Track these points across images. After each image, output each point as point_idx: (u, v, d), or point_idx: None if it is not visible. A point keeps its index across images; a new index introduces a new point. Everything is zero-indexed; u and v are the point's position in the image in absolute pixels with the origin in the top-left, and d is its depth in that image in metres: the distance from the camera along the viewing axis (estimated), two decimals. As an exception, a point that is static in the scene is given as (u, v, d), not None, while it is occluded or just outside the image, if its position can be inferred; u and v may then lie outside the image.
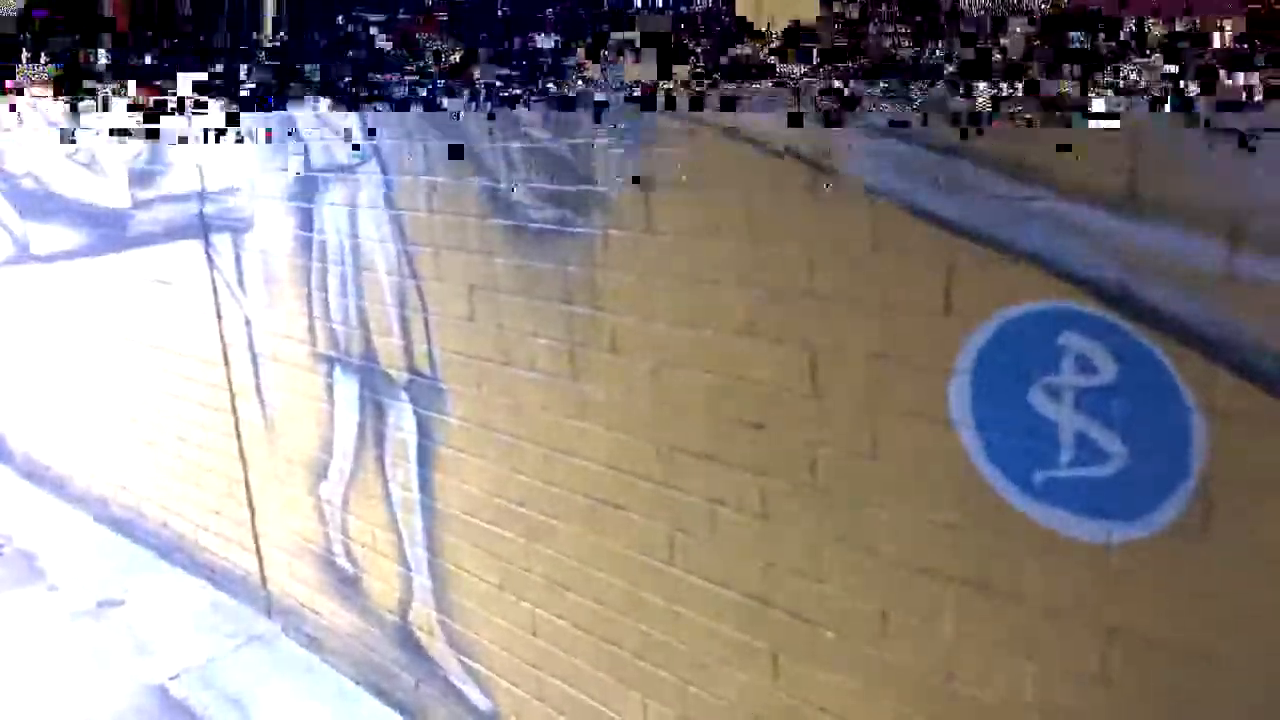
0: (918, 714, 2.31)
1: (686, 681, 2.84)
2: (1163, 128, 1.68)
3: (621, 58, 2.38)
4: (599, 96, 2.51)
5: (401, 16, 3.00)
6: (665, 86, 2.33)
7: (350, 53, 3.18)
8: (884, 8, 1.89)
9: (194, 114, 4.08)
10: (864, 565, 2.32)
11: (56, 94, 4.50)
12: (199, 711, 4.14)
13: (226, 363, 4.44)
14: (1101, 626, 1.96)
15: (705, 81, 2.26)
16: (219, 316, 4.39)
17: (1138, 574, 1.89)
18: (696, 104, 2.30)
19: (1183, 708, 1.89)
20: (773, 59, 2.10)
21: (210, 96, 3.85)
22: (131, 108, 4.30)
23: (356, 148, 3.39)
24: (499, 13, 2.73)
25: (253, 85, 3.56)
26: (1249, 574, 1.76)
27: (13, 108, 5.12)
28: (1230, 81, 1.56)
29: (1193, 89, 1.60)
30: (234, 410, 4.50)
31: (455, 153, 3.01)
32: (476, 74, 2.82)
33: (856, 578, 2.35)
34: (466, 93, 2.89)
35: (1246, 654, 1.79)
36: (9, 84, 4.58)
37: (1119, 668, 1.95)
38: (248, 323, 4.23)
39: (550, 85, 2.63)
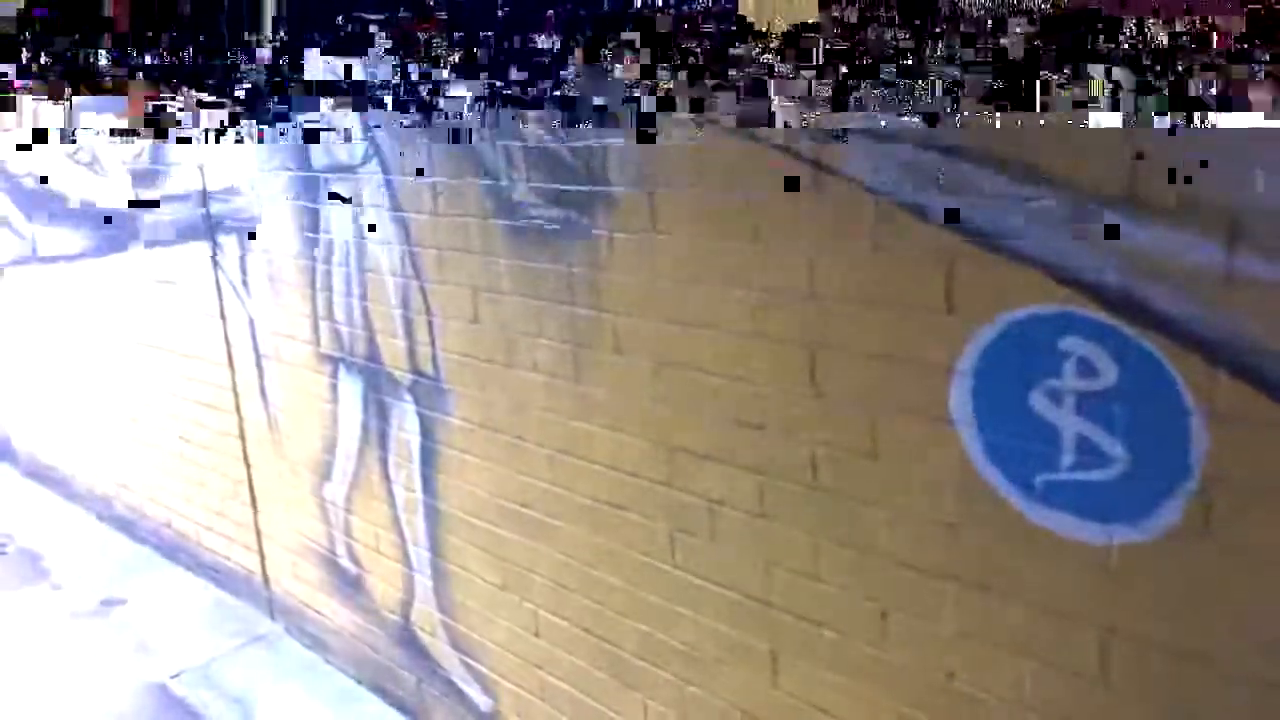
0: (918, 714, 2.30)
1: (686, 681, 2.84)
2: (1163, 128, 1.67)
3: (621, 58, 2.38)
4: (598, 97, 2.51)
5: (401, 16, 3.00)
6: (665, 86, 2.32)
7: (350, 52, 3.18)
8: (884, 8, 1.89)
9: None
10: (864, 565, 2.32)
11: (54, 94, 4.49)
12: (200, 710, 4.15)
13: (231, 363, 4.45)
14: (1101, 628, 1.95)
15: (705, 81, 2.25)
16: (223, 317, 4.39)
17: (1138, 576, 1.88)
18: (696, 105, 2.29)
19: (1181, 709, 1.88)
20: (772, 59, 2.10)
21: (210, 96, 3.85)
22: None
23: (358, 147, 3.38)
24: (499, 13, 2.73)
25: (252, 85, 3.56)
26: (1249, 576, 1.75)
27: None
28: (1232, 80, 1.55)
29: (1194, 89, 1.59)
30: (238, 410, 4.50)
31: (455, 153, 3.00)
32: (476, 74, 2.82)
33: (856, 578, 2.34)
34: (466, 93, 2.88)
35: (1245, 656, 1.78)
36: (15, 84, 4.58)
37: (1118, 669, 1.95)
38: (252, 323, 4.23)
39: (550, 85, 2.62)
